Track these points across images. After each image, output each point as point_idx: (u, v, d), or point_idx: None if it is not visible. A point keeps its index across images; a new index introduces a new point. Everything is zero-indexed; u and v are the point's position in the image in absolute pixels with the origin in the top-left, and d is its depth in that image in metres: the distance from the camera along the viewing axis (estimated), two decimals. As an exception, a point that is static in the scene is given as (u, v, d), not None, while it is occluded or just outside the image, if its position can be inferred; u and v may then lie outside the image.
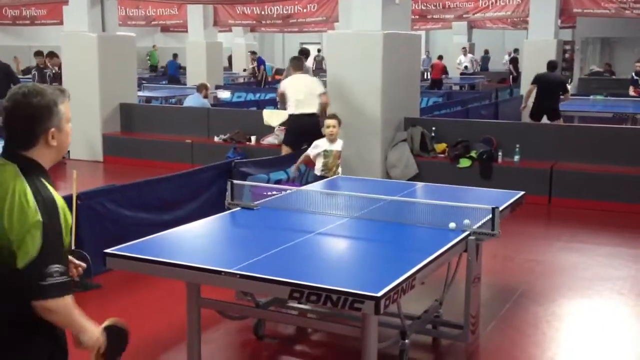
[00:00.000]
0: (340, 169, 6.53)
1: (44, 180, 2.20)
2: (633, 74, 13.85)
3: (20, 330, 2.17)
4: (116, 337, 2.42)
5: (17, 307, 2.13)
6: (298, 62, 8.83)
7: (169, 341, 4.39)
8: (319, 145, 6.46)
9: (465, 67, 22.15)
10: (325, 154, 6.42)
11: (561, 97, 11.18)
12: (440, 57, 21.02)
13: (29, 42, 20.55)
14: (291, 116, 8.32)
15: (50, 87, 2.28)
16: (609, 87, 16.40)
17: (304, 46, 13.41)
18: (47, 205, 2.14)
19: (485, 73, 23.56)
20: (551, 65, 11.42)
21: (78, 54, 11.08)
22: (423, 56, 27.32)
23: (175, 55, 21.22)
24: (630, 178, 8.03)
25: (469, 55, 22.99)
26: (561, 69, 15.37)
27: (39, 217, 2.10)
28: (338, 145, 6.50)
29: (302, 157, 6.74)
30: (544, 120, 10.98)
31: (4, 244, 2.10)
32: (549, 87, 11.00)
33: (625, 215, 7.69)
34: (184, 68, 19.10)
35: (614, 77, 20.92)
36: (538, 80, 11.15)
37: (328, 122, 6.50)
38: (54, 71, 13.68)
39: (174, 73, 20.43)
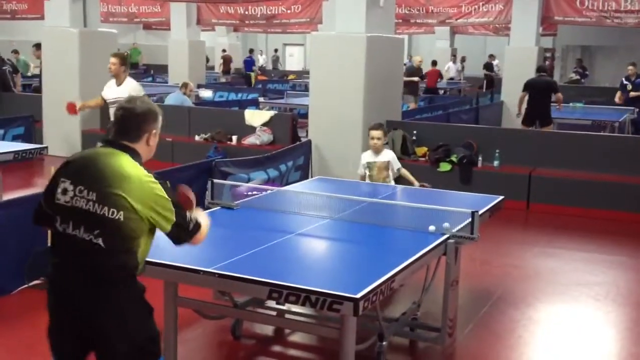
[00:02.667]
0: (392, 181, 6.02)
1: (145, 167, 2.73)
2: (623, 79, 13.95)
3: (127, 273, 2.66)
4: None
5: (128, 260, 2.64)
6: None
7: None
8: (362, 158, 6.07)
9: (451, 78, 22.19)
10: (369, 165, 6.01)
11: (553, 99, 11.16)
12: (434, 63, 20.56)
13: (9, 36, 20.32)
14: None
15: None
16: (588, 95, 16.57)
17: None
18: (161, 181, 2.69)
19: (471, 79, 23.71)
20: (539, 70, 11.47)
21: (59, 49, 10.97)
22: (405, 60, 27.38)
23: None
24: (608, 185, 8.12)
25: (458, 64, 23.02)
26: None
27: (160, 188, 2.65)
28: (384, 156, 6.00)
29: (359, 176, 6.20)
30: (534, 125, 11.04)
31: (135, 216, 2.59)
32: (538, 91, 10.99)
33: (602, 222, 7.77)
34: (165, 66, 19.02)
35: (587, 73, 21.16)
36: (527, 86, 11.17)
37: (372, 133, 5.97)
38: (10, 64, 13.56)
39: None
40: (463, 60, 24.09)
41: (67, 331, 2.67)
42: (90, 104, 8.35)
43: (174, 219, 2.67)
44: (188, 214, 2.74)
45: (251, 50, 25.72)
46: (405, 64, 13.75)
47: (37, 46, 12.53)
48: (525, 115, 11.14)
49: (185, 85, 12.07)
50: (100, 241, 2.57)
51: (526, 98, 11.15)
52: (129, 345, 2.62)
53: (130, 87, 7.99)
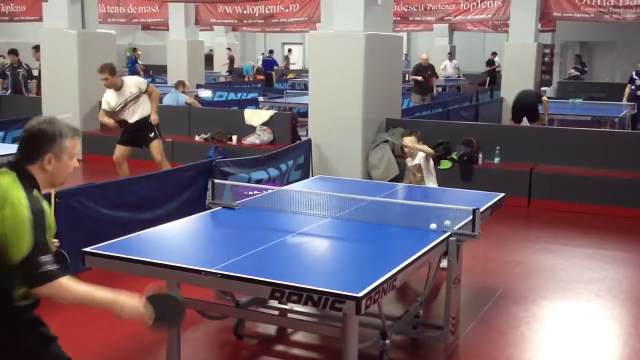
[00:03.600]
0: (429, 182, 5.95)
1: (35, 192, 2.51)
2: (633, 73, 13.92)
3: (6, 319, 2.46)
4: (165, 305, 2.57)
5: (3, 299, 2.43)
6: None
7: (148, 341, 4.35)
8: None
9: (449, 77, 22.16)
10: (407, 170, 6.09)
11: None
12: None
13: (7, 38, 20.32)
14: None
15: (68, 123, 2.65)
16: (587, 91, 16.58)
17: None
18: (36, 208, 2.44)
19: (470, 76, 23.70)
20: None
21: (57, 50, 10.97)
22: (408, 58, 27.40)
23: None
24: (609, 180, 8.12)
25: (454, 62, 22.99)
26: (541, 71, 15.52)
27: (30, 217, 2.39)
28: (417, 159, 5.98)
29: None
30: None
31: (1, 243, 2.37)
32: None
33: (603, 218, 7.77)
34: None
35: (586, 70, 21.14)
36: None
37: (406, 140, 5.98)
38: (26, 69, 13.60)
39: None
40: (454, 56, 23.96)
41: None
42: (111, 122, 8.18)
43: (24, 254, 2.37)
44: (46, 258, 2.41)
45: (271, 51, 25.72)
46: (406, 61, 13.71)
47: (37, 48, 12.54)
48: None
49: (182, 83, 12.07)
50: None
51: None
52: None
53: (131, 85, 8.10)
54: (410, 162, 6.05)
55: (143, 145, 8.32)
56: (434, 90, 16.29)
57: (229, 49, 24.29)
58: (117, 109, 8.05)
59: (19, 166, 2.54)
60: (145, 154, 10.29)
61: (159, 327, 2.60)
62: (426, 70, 15.46)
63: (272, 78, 21.08)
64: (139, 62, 22.35)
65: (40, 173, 2.55)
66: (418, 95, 15.07)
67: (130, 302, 2.56)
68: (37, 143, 2.54)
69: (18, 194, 2.43)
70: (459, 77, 22.44)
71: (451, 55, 23.22)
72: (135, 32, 27.00)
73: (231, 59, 23.16)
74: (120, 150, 8.34)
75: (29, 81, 13.67)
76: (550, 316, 5.09)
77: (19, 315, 2.49)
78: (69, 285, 2.48)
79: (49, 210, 2.53)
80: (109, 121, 8.10)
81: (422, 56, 15.95)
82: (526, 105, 11.12)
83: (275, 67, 22.03)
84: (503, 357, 4.35)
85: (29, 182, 2.51)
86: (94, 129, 11.13)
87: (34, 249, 2.38)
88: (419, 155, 6.00)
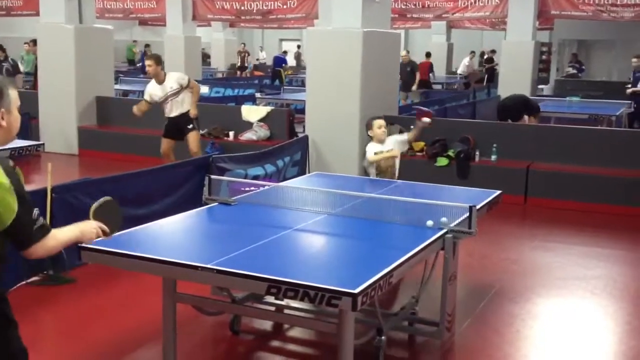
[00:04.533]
0: (397, 171, 5.94)
1: None
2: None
3: None
4: (107, 211, 2.75)
5: None
6: None
7: (144, 336, 4.36)
8: (371, 148, 5.88)
9: (460, 73, 22.19)
10: (376, 155, 5.86)
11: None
12: (428, 55, 20.56)
13: (4, 33, 20.25)
14: None
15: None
16: (584, 89, 16.60)
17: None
18: (9, 171, 2.37)
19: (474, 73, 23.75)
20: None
21: (54, 45, 10.94)
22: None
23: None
24: (605, 179, 8.14)
25: (466, 59, 23.02)
26: (538, 70, 15.51)
27: (7, 180, 2.31)
28: (388, 145, 5.90)
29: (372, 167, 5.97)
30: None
31: None
32: None
33: (599, 216, 7.79)
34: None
35: (583, 68, 21.20)
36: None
37: (379, 122, 5.87)
38: (12, 64, 13.63)
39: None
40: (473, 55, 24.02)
41: None
42: (143, 109, 8.54)
43: (14, 214, 2.33)
44: (36, 211, 2.42)
45: (285, 52, 25.68)
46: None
47: (34, 42, 12.52)
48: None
49: None
50: None
51: None
52: None
53: (173, 80, 8.36)
54: (380, 147, 5.84)
55: (182, 136, 8.55)
56: (414, 87, 16.72)
57: (243, 44, 24.33)
58: (159, 102, 8.36)
59: None
60: (143, 150, 10.30)
61: (112, 229, 2.78)
62: (405, 67, 15.68)
63: (280, 75, 21.04)
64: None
65: None
66: (402, 92, 15.17)
67: (86, 226, 2.66)
68: None
69: None
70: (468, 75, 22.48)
71: (473, 54, 23.25)
72: (132, 27, 26.90)
73: (243, 56, 23.10)
74: (165, 143, 8.58)
75: (16, 76, 13.70)
76: (546, 313, 5.10)
77: None
78: (54, 234, 2.49)
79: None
80: (138, 111, 8.44)
81: (401, 54, 16.10)
82: (508, 108, 11.22)
83: (283, 65, 22.01)
84: (498, 354, 4.36)
85: None
86: (91, 124, 11.12)
87: (22, 207, 2.35)
88: (391, 140, 5.91)
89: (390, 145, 5.90)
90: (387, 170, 5.85)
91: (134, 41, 25.99)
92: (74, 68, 10.80)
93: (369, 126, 5.96)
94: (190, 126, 8.40)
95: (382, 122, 5.92)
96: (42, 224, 2.44)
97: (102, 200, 2.73)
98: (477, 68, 22.98)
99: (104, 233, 2.73)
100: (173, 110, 8.35)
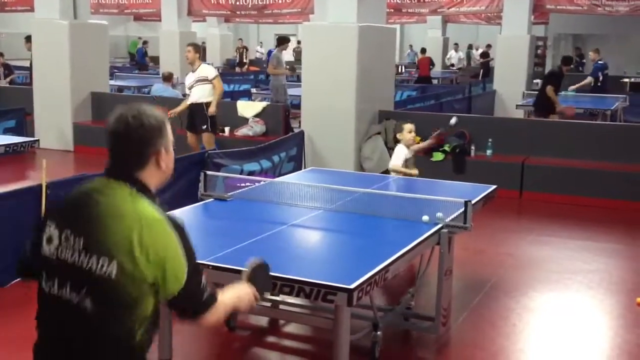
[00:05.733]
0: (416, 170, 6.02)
1: (156, 201, 2.10)
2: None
3: (124, 351, 2.01)
4: (261, 275, 2.49)
5: (124, 331, 1.99)
6: None
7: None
8: (401, 153, 5.93)
9: (452, 65, 22.22)
10: (407, 161, 5.99)
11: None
12: (423, 51, 20.58)
13: (-1, 28, 20.21)
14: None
15: (155, 108, 2.18)
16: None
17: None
18: (175, 223, 2.05)
19: (469, 68, 23.80)
20: (566, 61, 11.33)
21: (49, 41, 10.90)
22: (408, 50, 27.42)
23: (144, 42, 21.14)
24: (601, 173, 8.15)
25: (460, 53, 23.04)
26: (534, 64, 15.52)
27: (176, 235, 2.01)
28: (411, 153, 6.04)
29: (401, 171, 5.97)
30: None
31: (138, 275, 1.95)
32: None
33: (594, 210, 7.81)
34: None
35: (584, 62, 21.26)
36: (554, 78, 11.01)
37: (409, 127, 5.96)
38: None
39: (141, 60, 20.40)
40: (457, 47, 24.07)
41: None
42: (181, 108, 8.92)
43: (184, 281, 2.00)
44: (204, 279, 2.09)
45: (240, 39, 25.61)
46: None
47: (28, 39, 12.46)
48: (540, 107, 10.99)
49: (171, 76, 12.01)
50: (87, 304, 1.95)
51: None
52: None
53: (204, 70, 8.79)
54: (410, 153, 6.00)
55: (196, 132, 8.89)
56: None
57: (240, 39, 24.26)
58: (188, 90, 8.83)
59: (128, 175, 2.07)
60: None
61: (262, 294, 2.49)
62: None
63: None
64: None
65: (154, 175, 2.12)
66: None
67: (243, 292, 2.33)
68: (144, 142, 2.07)
69: (150, 212, 1.99)
70: (460, 68, 22.53)
71: (457, 46, 23.25)
72: (127, 23, 26.84)
73: (241, 52, 23.01)
74: (189, 136, 8.90)
75: (10, 77, 13.77)
76: (542, 307, 5.11)
77: (141, 350, 2.05)
78: (222, 301, 2.16)
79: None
80: (175, 109, 8.80)
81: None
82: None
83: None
84: (494, 348, 4.37)
85: (147, 193, 2.07)
86: (86, 120, 11.09)
87: (191, 272, 2.02)
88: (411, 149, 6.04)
89: (411, 155, 6.03)
90: (411, 174, 5.96)
91: (139, 38, 25.90)
92: (68, 64, 10.76)
93: (398, 129, 6.09)
94: (204, 127, 8.76)
95: (412, 126, 6.04)
96: (212, 292, 2.11)
97: (256, 263, 2.49)
98: (479, 60, 22.94)
99: (255, 298, 2.39)
100: (192, 96, 8.76)
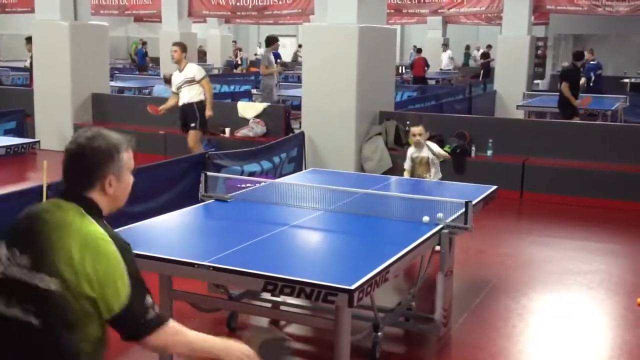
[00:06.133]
0: (434, 175, 6.09)
1: (103, 222, 2.10)
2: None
3: None
4: (275, 349, 2.30)
5: (74, 347, 2.00)
6: None
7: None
8: (408, 152, 6.17)
9: (441, 69, 22.15)
10: (414, 160, 6.12)
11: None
12: (419, 51, 20.64)
13: (0, 30, 20.21)
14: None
15: (116, 132, 2.21)
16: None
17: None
18: (120, 243, 2.05)
19: (464, 69, 23.72)
20: (577, 55, 11.19)
21: (50, 42, 10.91)
22: (410, 50, 27.36)
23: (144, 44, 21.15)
24: (601, 173, 8.15)
25: (448, 52, 22.86)
26: (534, 64, 15.52)
27: (120, 254, 2.02)
28: (425, 152, 6.08)
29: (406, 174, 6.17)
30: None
31: (81, 292, 1.96)
32: (577, 80, 10.76)
33: (595, 210, 7.81)
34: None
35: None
36: (569, 74, 10.91)
37: (412, 130, 6.10)
38: None
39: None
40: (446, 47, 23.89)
41: None
42: (170, 104, 8.89)
43: (126, 300, 1.98)
44: (149, 299, 2.04)
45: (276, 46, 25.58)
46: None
47: (28, 40, 12.47)
48: (565, 107, 10.84)
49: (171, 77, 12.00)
50: (33, 320, 1.96)
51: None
52: None
53: (190, 70, 8.69)
54: (417, 153, 6.09)
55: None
56: None
57: (234, 41, 24.29)
58: (175, 90, 8.73)
59: (77, 195, 2.09)
60: (139, 146, 10.28)
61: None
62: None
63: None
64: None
65: (100, 198, 2.12)
66: None
67: (236, 347, 2.20)
68: (92, 165, 2.10)
69: (95, 230, 2.02)
70: (454, 68, 22.42)
71: (446, 46, 23.16)
72: (127, 24, 26.84)
73: (235, 53, 23.02)
74: (188, 136, 8.86)
75: None
76: (542, 308, 5.11)
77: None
78: (180, 329, 2.10)
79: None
80: (164, 105, 8.84)
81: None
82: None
83: (278, 61, 21.96)
84: (495, 348, 4.37)
85: (96, 213, 2.08)
86: (86, 122, 11.09)
87: (134, 292, 2.00)
88: (427, 150, 6.08)
89: (426, 154, 6.08)
90: (420, 177, 6.03)
91: (141, 40, 25.89)
92: (69, 65, 10.77)
93: (409, 132, 6.23)
94: (193, 125, 8.68)
95: (415, 129, 6.08)
96: (159, 315, 2.06)
97: (276, 335, 2.30)
98: (479, 61, 22.81)
99: None
100: (182, 98, 8.69)
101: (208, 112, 8.67)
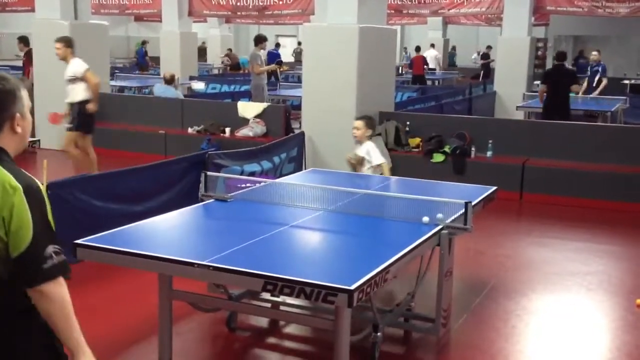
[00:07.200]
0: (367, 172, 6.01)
1: (16, 166, 2.14)
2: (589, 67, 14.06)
3: (17, 319, 2.11)
4: None
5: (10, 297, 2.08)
6: None
7: (140, 333, 4.36)
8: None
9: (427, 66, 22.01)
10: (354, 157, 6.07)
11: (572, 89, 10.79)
12: (417, 49, 20.65)
13: (0, 29, 20.21)
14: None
15: (10, 74, 2.23)
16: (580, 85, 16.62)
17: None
18: (30, 188, 2.09)
19: (455, 69, 23.67)
20: (559, 57, 11.12)
21: (50, 41, 10.87)
22: (404, 53, 27.36)
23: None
24: (601, 175, 8.16)
25: (433, 52, 22.56)
26: (534, 65, 15.52)
27: (26, 201, 2.05)
28: (361, 150, 6.03)
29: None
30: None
31: None
32: (557, 83, 10.61)
33: (594, 212, 7.81)
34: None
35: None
36: (547, 77, 10.90)
37: (354, 122, 6.11)
38: None
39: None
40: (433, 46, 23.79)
41: None
42: (68, 111, 8.29)
43: (27, 243, 2.03)
44: (52, 249, 2.07)
45: (277, 44, 25.50)
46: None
47: (21, 39, 12.49)
48: (543, 109, 10.93)
49: (173, 78, 12.00)
50: None
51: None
52: None
53: (71, 67, 8.18)
54: (355, 149, 6.04)
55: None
56: None
57: (229, 49, 24.31)
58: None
59: None
60: (139, 146, 10.30)
61: None
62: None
63: (275, 71, 20.97)
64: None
65: (10, 140, 2.16)
66: None
67: (84, 349, 2.15)
68: (0, 107, 2.12)
69: (5, 176, 2.06)
70: (436, 69, 22.09)
71: (433, 46, 23.01)
72: (128, 23, 26.84)
73: (233, 57, 22.96)
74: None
75: None
76: (541, 309, 5.12)
77: (30, 315, 2.12)
78: (65, 291, 2.11)
79: (42, 186, 2.18)
80: (67, 113, 8.24)
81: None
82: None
83: (277, 61, 21.89)
84: (494, 349, 4.37)
85: (4, 157, 2.12)
86: (87, 121, 11.08)
87: (37, 238, 2.05)
88: (364, 148, 6.01)
89: (361, 153, 6.01)
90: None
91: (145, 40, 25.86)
92: (69, 64, 10.74)
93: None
94: (71, 125, 8.14)
95: (355, 122, 6.04)
96: (61, 265, 2.10)
97: None
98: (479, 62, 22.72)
99: None
100: (67, 97, 8.15)
101: (90, 106, 8.00)
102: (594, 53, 13.57)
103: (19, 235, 2.03)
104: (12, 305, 2.10)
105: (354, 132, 6.11)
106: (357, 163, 6.06)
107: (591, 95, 12.91)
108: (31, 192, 2.09)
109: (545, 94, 10.69)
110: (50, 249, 2.08)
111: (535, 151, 8.72)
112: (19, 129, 2.17)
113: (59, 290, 2.10)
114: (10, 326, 2.10)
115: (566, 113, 10.50)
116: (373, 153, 6.05)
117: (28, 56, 12.68)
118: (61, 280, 2.11)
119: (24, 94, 2.20)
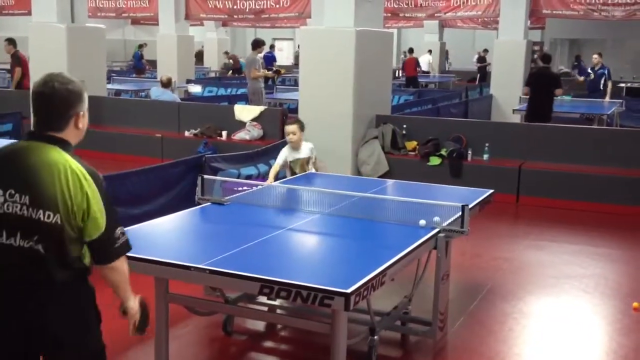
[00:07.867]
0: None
1: (77, 156, 2.43)
2: (588, 68, 14.10)
3: (75, 278, 2.48)
4: (144, 310, 2.72)
5: (74, 263, 2.43)
6: None
7: (137, 337, 4.34)
8: (282, 155, 5.89)
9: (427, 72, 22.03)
10: (292, 162, 5.87)
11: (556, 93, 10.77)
12: (411, 51, 20.67)
13: (-4, 32, 20.16)
14: None
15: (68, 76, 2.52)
16: (576, 88, 16.65)
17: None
18: (96, 175, 2.42)
19: (450, 73, 23.67)
20: (544, 59, 11.11)
21: (46, 45, 10.89)
22: (401, 55, 27.36)
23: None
24: (597, 177, 8.17)
25: (427, 56, 22.58)
26: (530, 69, 15.55)
27: (98, 193, 2.38)
28: (303, 152, 5.88)
29: (272, 171, 5.88)
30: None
31: (74, 222, 2.36)
32: (540, 87, 10.62)
33: (591, 214, 7.82)
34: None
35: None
36: (530, 79, 10.89)
37: (287, 128, 5.91)
38: None
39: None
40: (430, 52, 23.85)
41: (14, 346, 2.45)
42: None
43: (103, 228, 2.39)
44: (120, 230, 2.46)
45: (272, 47, 25.46)
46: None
47: (9, 40, 12.47)
48: (527, 111, 10.94)
49: (170, 81, 11.98)
50: (40, 247, 2.36)
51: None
52: (82, 355, 2.52)
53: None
54: (294, 155, 5.86)
55: None
56: None
57: (226, 52, 24.32)
58: None
59: (52, 134, 2.41)
60: (136, 149, 10.28)
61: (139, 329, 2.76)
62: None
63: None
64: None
65: (73, 134, 2.48)
66: None
67: (137, 300, 2.68)
68: (67, 106, 2.43)
69: (78, 168, 2.37)
70: (429, 73, 22.09)
71: (430, 52, 23.11)
72: (125, 26, 26.81)
73: (235, 59, 22.95)
74: None
75: None
76: (538, 312, 5.12)
77: (87, 286, 2.55)
78: (126, 263, 2.53)
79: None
80: None
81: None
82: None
83: (274, 63, 21.84)
84: (491, 352, 4.37)
85: (70, 150, 2.43)
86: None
87: (109, 221, 2.40)
88: (307, 147, 5.91)
89: (304, 154, 5.87)
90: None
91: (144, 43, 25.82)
92: (66, 67, 10.72)
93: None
94: None
95: (289, 128, 5.86)
96: (125, 243, 2.50)
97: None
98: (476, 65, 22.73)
99: (135, 324, 2.74)
100: None
101: None
102: (595, 56, 13.60)
103: (96, 223, 2.37)
104: (52, 278, 2.39)
105: (290, 138, 5.83)
106: (301, 168, 5.86)
107: (605, 100, 12.94)
108: (98, 179, 2.41)
109: (527, 96, 10.74)
110: (119, 230, 2.46)
111: (532, 154, 8.74)
112: (81, 125, 2.49)
113: (124, 264, 2.52)
114: (57, 296, 2.42)
115: (546, 118, 10.41)
116: (313, 148, 5.98)
117: (14, 58, 12.70)
118: (124, 257, 2.50)
119: (86, 95, 2.52)
